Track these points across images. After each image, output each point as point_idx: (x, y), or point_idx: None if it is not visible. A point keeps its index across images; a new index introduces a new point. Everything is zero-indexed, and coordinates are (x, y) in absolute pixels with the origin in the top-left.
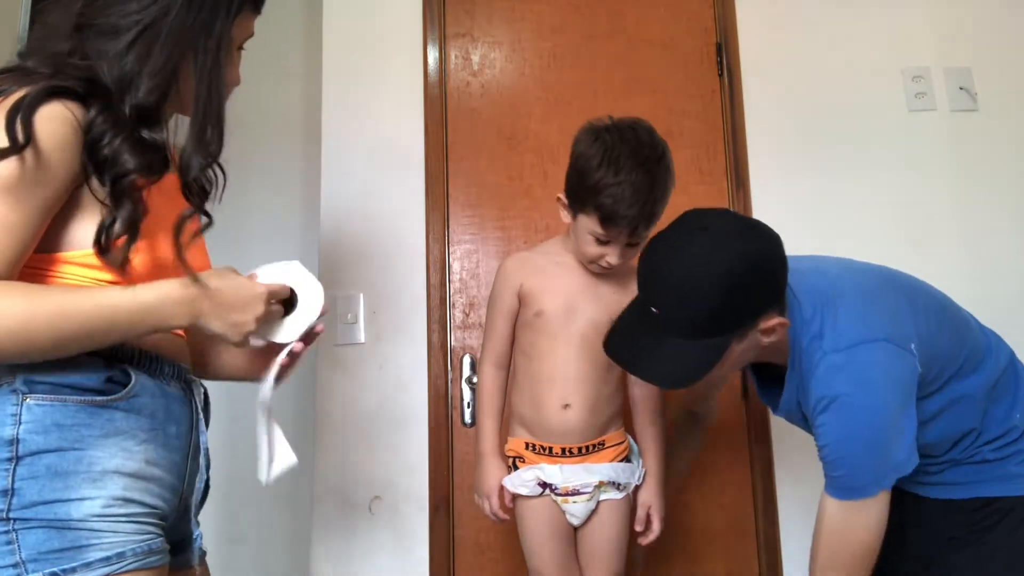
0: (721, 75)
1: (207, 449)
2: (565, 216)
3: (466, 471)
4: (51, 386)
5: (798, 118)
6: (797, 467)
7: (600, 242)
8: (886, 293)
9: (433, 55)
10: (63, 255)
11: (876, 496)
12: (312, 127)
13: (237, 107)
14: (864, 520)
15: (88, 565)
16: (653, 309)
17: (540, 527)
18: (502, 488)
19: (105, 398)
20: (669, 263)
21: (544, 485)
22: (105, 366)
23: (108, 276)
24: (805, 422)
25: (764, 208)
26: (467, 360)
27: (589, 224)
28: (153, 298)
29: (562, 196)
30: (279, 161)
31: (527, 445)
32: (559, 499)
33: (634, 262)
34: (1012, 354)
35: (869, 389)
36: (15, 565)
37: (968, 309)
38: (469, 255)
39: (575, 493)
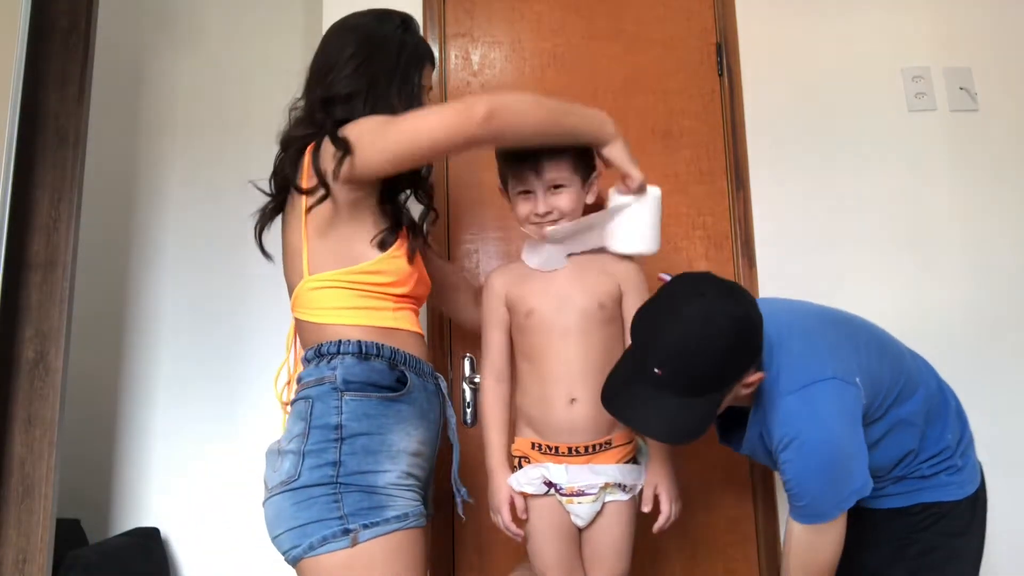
0: (721, 75)
1: (454, 425)
2: (510, 205)
3: (466, 471)
4: (360, 384)
5: (798, 118)
6: None
7: (525, 196)
8: (828, 332)
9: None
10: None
11: (837, 518)
12: None
13: (237, 107)
14: (828, 539)
15: (387, 520)
16: (656, 370)
17: (545, 528)
18: (513, 502)
19: (395, 394)
20: (672, 328)
21: (549, 484)
22: (390, 369)
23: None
24: (769, 457)
25: (764, 208)
26: (467, 360)
27: (511, 185)
28: (599, 118)
29: (501, 188)
30: None
31: (533, 445)
32: (563, 499)
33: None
34: (939, 379)
35: (823, 426)
36: (340, 518)
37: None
38: (469, 255)
39: (580, 494)
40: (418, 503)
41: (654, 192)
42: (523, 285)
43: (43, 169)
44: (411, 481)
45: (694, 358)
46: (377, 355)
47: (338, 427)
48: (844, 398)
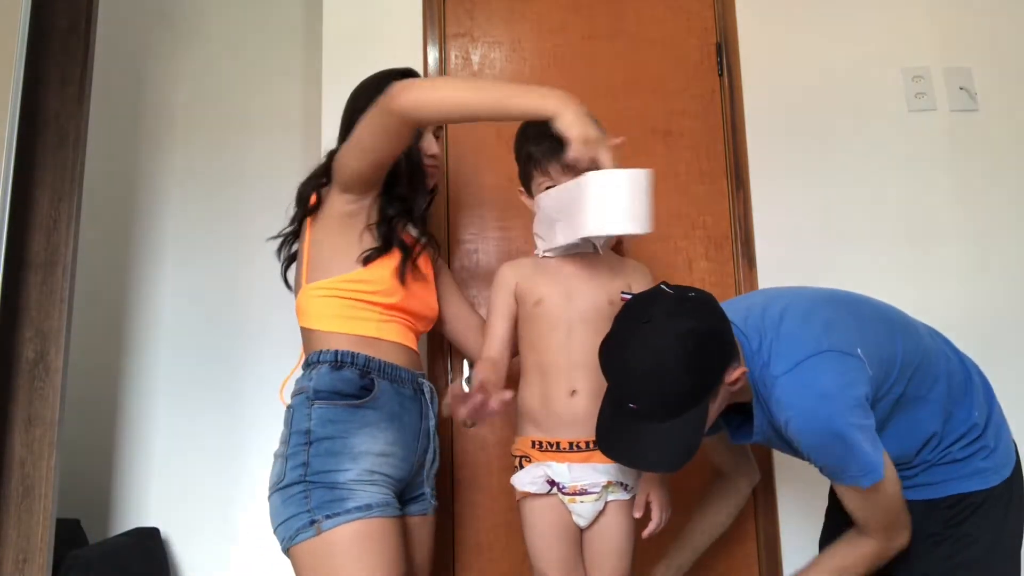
0: (721, 75)
1: (435, 430)
2: (529, 203)
3: (466, 471)
4: (327, 393)
5: (798, 118)
6: (797, 467)
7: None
8: (823, 309)
9: (433, 55)
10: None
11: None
12: (312, 127)
13: (237, 107)
14: (886, 480)
15: (348, 511)
16: (631, 405)
17: (547, 529)
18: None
19: (359, 401)
20: (627, 361)
21: (552, 483)
22: (360, 378)
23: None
24: (784, 443)
25: (764, 208)
26: (466, 360)
27: (536, 183)
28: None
29: (520, 189)
30: (279, 161)
31: (533, 443)
32: (566, 499)
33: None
34: (961, 355)
35: (822, 397)
36: (308, 511)
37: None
38: (469, 255)
39: (583, 493)
40: (384, 496)
41: (629, 173)
42: (534, 276)
43: (43, 169)
44: (376, 477)
45: (657, 386)
46: (351, 363)
47: (308, 432)
48: (843, 368)
